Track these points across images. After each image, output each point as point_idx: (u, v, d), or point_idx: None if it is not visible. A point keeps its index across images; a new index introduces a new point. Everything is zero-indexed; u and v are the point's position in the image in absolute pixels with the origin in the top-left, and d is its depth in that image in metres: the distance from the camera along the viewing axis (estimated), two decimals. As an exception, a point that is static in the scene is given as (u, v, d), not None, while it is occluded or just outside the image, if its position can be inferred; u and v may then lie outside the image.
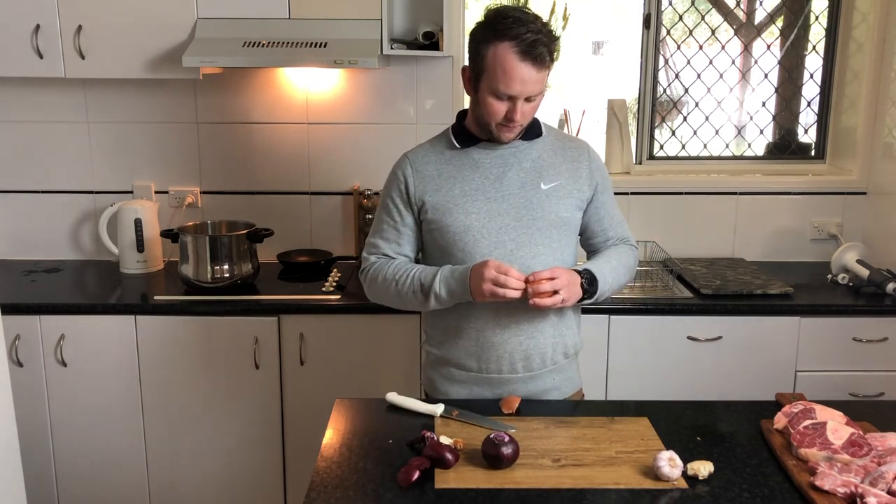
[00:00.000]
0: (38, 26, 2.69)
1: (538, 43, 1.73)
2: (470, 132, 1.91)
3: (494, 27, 1.76)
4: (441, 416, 1.79)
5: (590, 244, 2.04)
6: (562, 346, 1.95)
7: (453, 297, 1.84)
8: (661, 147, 3.33)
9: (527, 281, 1.75)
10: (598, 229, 2.00)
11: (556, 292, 1.75)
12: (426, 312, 2.00)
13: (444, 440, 1.62)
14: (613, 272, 1.92)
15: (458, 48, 2.99)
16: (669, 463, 1.52)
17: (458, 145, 1.91)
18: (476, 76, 1.81)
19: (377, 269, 1.93)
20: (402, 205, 1.93)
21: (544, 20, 1.79)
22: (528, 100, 1.79)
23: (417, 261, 2.00)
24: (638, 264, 2.08)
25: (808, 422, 1.64)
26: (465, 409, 1.82)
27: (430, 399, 2.00)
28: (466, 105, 1.95)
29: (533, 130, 1.92)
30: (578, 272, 1.84)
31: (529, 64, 1.74)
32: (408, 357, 2.66)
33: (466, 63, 1.86)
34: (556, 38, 1.79)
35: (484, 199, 1.87)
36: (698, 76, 3.26)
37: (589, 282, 1.84)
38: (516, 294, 1.75)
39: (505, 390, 1.93)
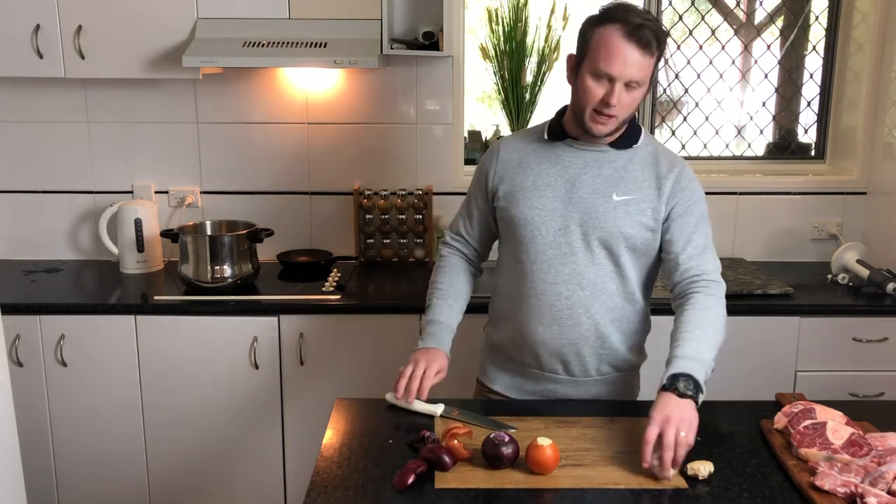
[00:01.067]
0: (38, 26, 2.69)
1: (645, 27, 1.71)
2: (563, 128, 1.90)
3: (605, 13, 1.76)
4: (441, 416, 1.79)
5: (664, 267, 1.92)
6: (609, 358, 1.93)
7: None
8: (661, 147, 3.32)
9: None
10: (669, 250, 1.87)
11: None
12: (493, 294, 2.05)
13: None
14: (706, 343, 1.72)
15: (458, 48, 2.99)
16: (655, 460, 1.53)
17: (546, 137, 1.91)
18: (579, 59, 1.79)
19: (440, 260, 2.07)
20: (480, 189, 1.99)
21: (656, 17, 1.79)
22: (628, 87, 1.74)
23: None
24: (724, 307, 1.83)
25: (808, 422, 1.64)
26: (466, 409, 1.82)
27: (479, 385, 2.05)
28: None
29: (628, 139, 1.87)
30: (673, 388, 1.63)
31: (634, 45, 1.70)
32: (407, 357, 2.65)
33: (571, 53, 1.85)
34: (667, 32, 1.77)
35: (552, 196, 1.86)
36: (698, 76, 3.26)
37: (686, 384, 1.64)
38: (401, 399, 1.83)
39: (547, 388, 1.94)
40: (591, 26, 1.77)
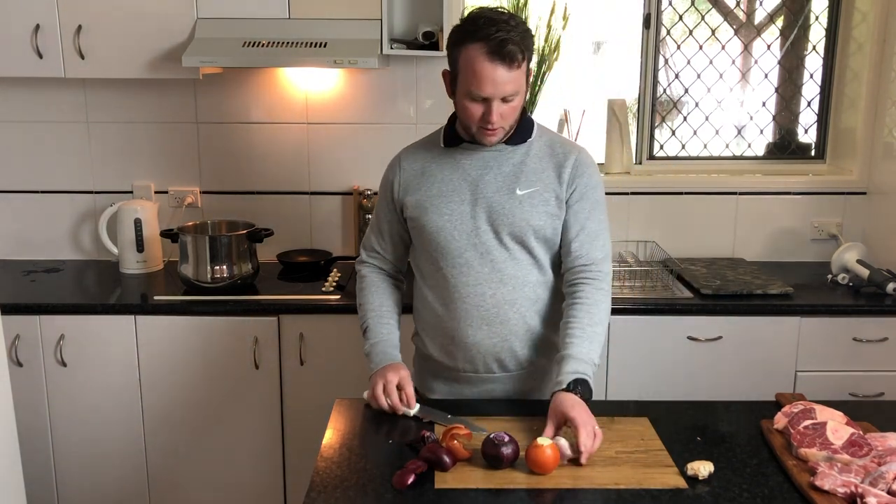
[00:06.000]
0: (38, 26, 2.69)
1: (508, 42, 1.71)
2: (457, 134, 1.92)
3: (465, 29, 1.77)
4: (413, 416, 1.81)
5: (560, 253, 1.93)
6: (539, 347, 1.94)
7: (368, 361, 1.94)
8: (661, 147, 3.33)
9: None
10: (564, 238, 1.90)
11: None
12: (416, 305, 2.05)
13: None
14: (596, 342, 1.82)
15: (458, 48, 2.99)
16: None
17: (442, 145, 1.93)
18: (453, 79, 1.82)
19: (362, 280, 2.05)
20: (387, 203, 1.99)
21: (520, 18, 1.79)
22: (505, 101, 1.77)
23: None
24: (610, 292, 1.92)
25: (808, 422, 1.65)
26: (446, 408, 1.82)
27: (419, 394, 2.02)
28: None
29: (522, 134, 1.90)
30: (576, 391, 1.72)
31: (499, 63, 1.72)
32: (406, 357, 2.65)
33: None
34: (531, 36, 1.79)
35: (459, 200, 1.88)
36: (698, 76, 3.26)
37: (583, 389, 1.74)
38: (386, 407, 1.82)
39: (484, 389, 1.95)
40: (456, 45, 1.78)
